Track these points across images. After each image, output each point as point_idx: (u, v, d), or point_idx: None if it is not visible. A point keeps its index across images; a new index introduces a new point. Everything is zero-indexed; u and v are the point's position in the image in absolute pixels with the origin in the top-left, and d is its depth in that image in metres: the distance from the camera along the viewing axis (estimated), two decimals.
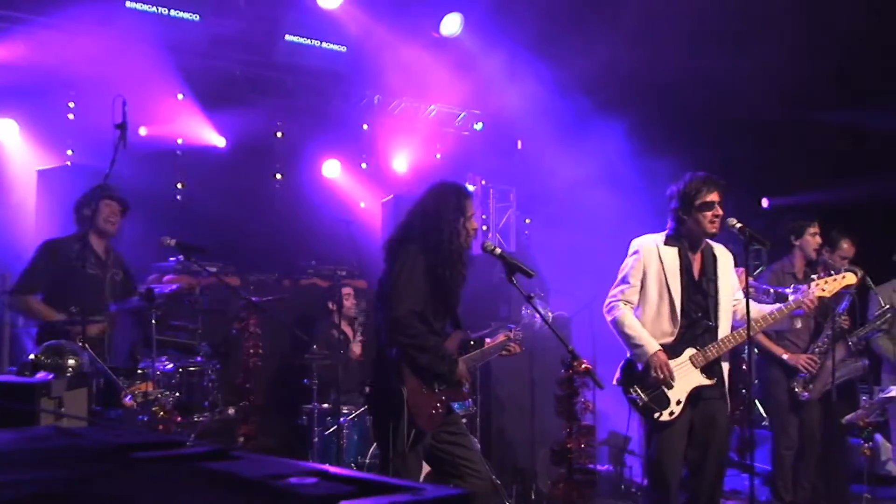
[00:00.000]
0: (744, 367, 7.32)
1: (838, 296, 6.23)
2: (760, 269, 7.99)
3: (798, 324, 6.09)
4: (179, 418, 5.42)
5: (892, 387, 6.94)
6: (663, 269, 5.37)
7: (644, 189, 8.39)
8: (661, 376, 5.21)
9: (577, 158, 9.10)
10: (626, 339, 5.36)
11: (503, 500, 7.03)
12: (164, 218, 7.89)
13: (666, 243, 5.43)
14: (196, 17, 8.53)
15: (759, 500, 7.18)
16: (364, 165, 10.45)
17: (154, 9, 8.26)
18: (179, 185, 8.94)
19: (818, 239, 6.89)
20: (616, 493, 7.86)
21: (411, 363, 4.64)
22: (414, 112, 10.54)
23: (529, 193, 10.54)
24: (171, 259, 7.31)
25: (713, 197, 5.33)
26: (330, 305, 7.78)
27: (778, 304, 5.53)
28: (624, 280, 5.46)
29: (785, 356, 6.69)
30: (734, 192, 6.32)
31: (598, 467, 8.48)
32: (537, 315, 7.86)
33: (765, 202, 10.69)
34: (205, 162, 9.02)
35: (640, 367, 5.30)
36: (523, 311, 7.96)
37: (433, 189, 4.93)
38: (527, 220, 10.86)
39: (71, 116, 8.24)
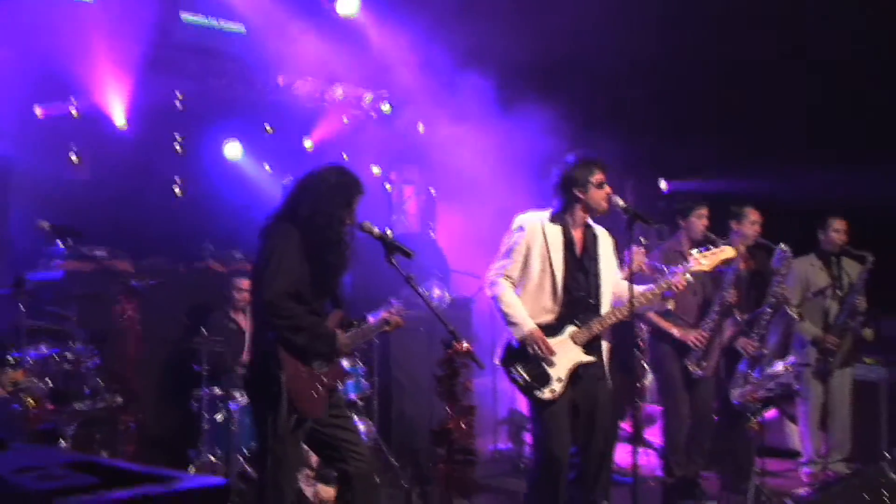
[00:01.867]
0: (640, 344, 7.42)
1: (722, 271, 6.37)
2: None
3: (670, 305, 6.16)
4: (52, 407, 5.26)
5: (778, 362, 7.07)
6: (547, 246, 5.41)
7: (545, 170, 8.39)
8: (540, 353, 5.24)
9: (482, 140, 9.08)
10: (504, 315, 5.39)
11: (400, 482, 7.02)
12: (58, 200, 7.71)
13: (551, 220, 5.48)
14: None
15: (652, 474, 7.31)
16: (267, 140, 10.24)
17: None
18: (74, 158, 8.61)
19: (704, 222, 6.97)
20: (516, 471, 7.89)
21: (288, 345, 4.52)
22: (319, 94, 10.39)
23: (434, 175, 10.48)
24: (60, 244, 7.11)
25: (603, 176, 5.43)
26: (233, 293, 7.65)
27: (650, 285, 5.58)
28: (507, 255, 5.49)
29: (674, 332, 6.76)
30: (636, 174, 6.39)
31: (499, 446, 8.54)
32: (434, 294, 7.90)
33: (663, 184, 10.81)
34: (104, 143, 8.78)
35: (516, 344, 5.32)
36: (422, 292, 7.91)
37: (320, 172, 4.82)
38: (432, 191, 10.75)
39: None
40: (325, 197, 4.69)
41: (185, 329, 7.32)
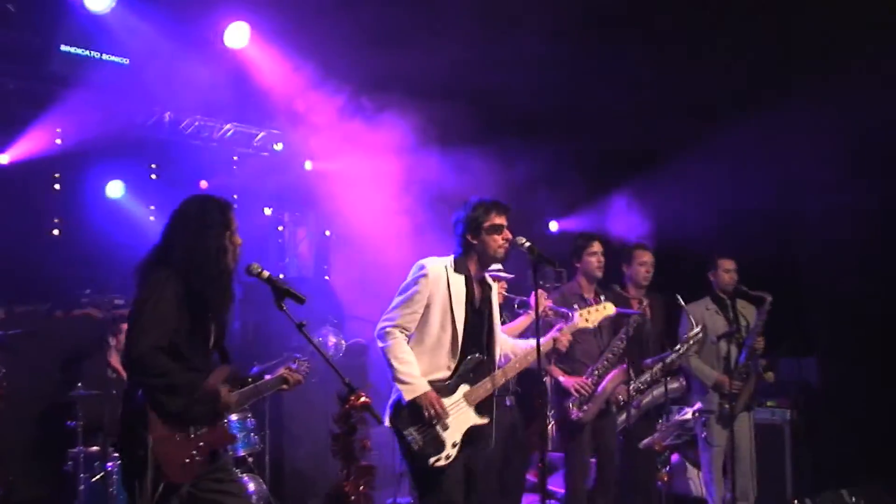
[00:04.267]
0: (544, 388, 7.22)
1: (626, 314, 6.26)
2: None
3: (552, 361, 6.02)
4: None
5: (685, 408, 6.95)
6: (450, 297, 5.04)
7: (440, 209, 8.17)
8: (435, 415, 4.88)
9: (379, 178, 8.79)
10: (395, 372, 4.96)
11: None
12: None
13: (455, 269, 5.13)
14: None
15: None
16: (154, 177, 9.76)
17: None
18: None
19: (599, 258, 6.83)
20: None
21: (159, 408, 4.08)
22: (209, 131, 9.98)
23: (328, 217, 10.15)
24: None
25: (501, 220, 5.13)
26: (110, 340, 7.20)
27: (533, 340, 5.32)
28: (403, 303, 5.05)
29: (561, 378, 6.60)
30: (523, 215, 6.19)
31: (399, 500, 8.18)
32: (329, 342, 7.56)
33: (553, 225, 10.70)
34: None
35: (405, 403, 4.93)
36: (315, 340, 7.55)
37: (190, 203, 4.44)
38: (327, 233, 10.40)
39: None
40: (196, 230, 4.32)
41: (58, 382, 6.79)
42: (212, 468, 4.36)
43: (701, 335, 7.04)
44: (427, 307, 5.03)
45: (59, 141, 8.81)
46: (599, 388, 6.61)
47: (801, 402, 8.36)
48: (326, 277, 9.94)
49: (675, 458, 8.44)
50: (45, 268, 8.09)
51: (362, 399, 4.45)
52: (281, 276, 9.84)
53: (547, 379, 6.81)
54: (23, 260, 7.92)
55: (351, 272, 9.10)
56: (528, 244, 5.11)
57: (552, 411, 7.02)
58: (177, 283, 4.19)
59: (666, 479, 6.81)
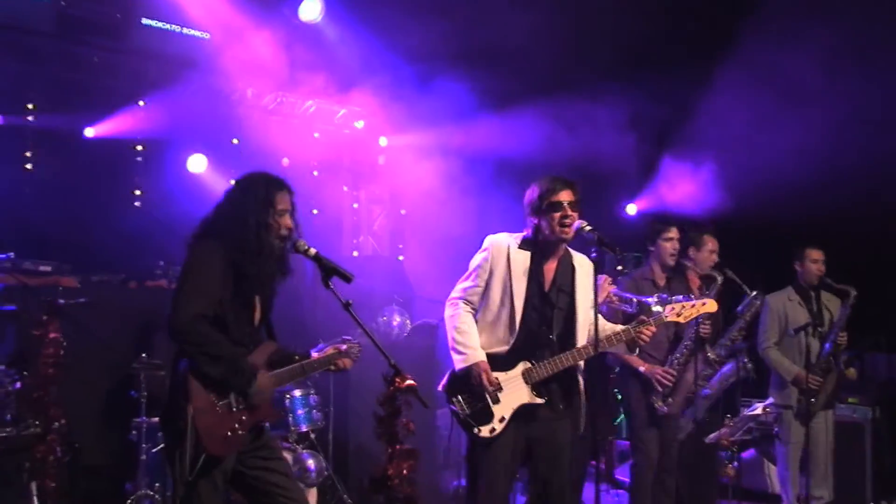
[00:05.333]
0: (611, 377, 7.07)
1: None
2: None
3: (636, 352, 5.69)
4: None
5: (756, 404, 6.71)
6: (510, 272, 4.96)
7: (521, 190, 8.01)
8: (484, 385, 4.82)
9: (446, 153, 8.66)
10: (453, 341, 4.94)
11: None
12: (9, 212, 7.42)
13: (520, 246, 5.02)
14: None
15: None
16: (236, 155, 9.84)
17: None
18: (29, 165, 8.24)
19: (675, 244, 6.61)
20: None
21: (201, 376, 4.07)
22: (290, 107, 10.00)
23: (403, 195, 10.07)
24: (1, 255, 6.74)
25: (564, 196, 4.94)
26: None
27: (619, 326, 5.13)
28: (469, 276, 5.05)
29: (641, 368, 6.37)
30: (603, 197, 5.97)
31: (464, 482, 8.07)
32: (394, 322, 7.49)
33: (631, 209, 10.40)
34: (61, 151, 8.41)
35: (458, 371, 4.89)
36: (380, 320, 7.51)
37: (240, 180, 4.45)
38: (402, 212, 10.33)
39: None
40: (240, 202, 4.31)
41: (125, 352, 6.88)
42: (256, 444, 4.34)
43: (759, 301, 6.82)
44: (489, 281, 5.00)
45: (142, 112, 8.93)
46: (681, 379, 6.39)
47: (885, 401, 7.96)
48: (400, 257, 9.88)
49: (750, 452, 8.19)
50: (124, 239, 8.20)
51: (408, 382, 4.33)
52: (355, 253, 9.83)
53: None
54: (103, 230, 8.03)
55: (425, 251, 9.02)
56: (588, 228, 4.90)
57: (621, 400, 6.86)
58: (223, 255, 4.18)
59: (732, 473, 6.56)
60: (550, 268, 5.05)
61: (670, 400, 6.38)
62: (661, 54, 8.94)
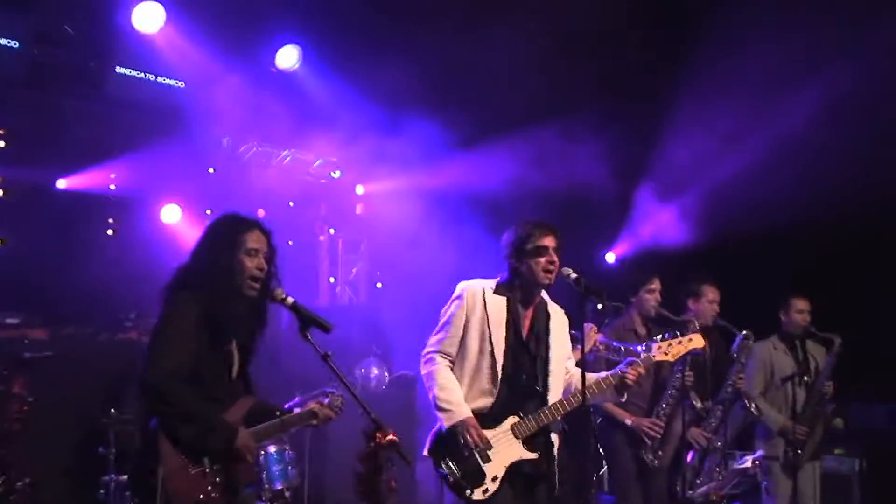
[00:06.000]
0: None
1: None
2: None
3: (624, 396, 5.53)
4: None
5: (746, 457, 6.58)
6: (487, 319, 4.81)
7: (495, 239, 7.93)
8: (473, 444, 4.61)
9: (426, 207, 8.57)
10: (435, 398, 4.74)
11: None
12: None
13: (495, 291, 4.88)
14: (15, 44, 7.78)
15: None
16: (209, 212, 9.71)
17: None
18: None
19: (657, 296, 6.50)
20: None
21: (173, 437, 3.87)
22: (266, 157, 9.90)
23: (380, 245, 9.96)
24: None
25: (547, 242, 4.83)
26: None
27: (604, 373, 5.00)
28: (443, 328, 4.86)
29: (627, 420, 6.22)
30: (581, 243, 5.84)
31: None
32: (372, 374, 7.32)
33: (610, 257, 10.31)
34: (33, 202, 8.24)
35: (447, 433, 4.68)
36: (357, 372, 7.34)
37: (209, 225, 4.30)
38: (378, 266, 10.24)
39: None
40: (208, 244, 4.17)
41: (94, 406, 6.67)
42: None
43: (751, 341, 6.73)
44: (465, 330, 4.83)
45: (115, 162, 8.79)
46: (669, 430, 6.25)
47: (872, 452, 7.82)
48: (378, 306, 9.74)
49: None
50: (97, 290, 8.02)
51: (389, 437, 4.13)
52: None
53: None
54: (74, 280, 7.86)
55: (402, 301, 8.86)
56: (574, 275, 4.80)
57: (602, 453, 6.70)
58: (196, 306, 4.01)
59: None
60: (527, 314, 4.93)
61: (660, 453, 6.23)
62: (633, 87, 8.95)
